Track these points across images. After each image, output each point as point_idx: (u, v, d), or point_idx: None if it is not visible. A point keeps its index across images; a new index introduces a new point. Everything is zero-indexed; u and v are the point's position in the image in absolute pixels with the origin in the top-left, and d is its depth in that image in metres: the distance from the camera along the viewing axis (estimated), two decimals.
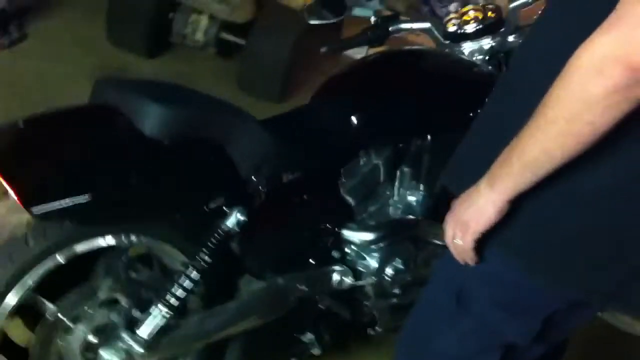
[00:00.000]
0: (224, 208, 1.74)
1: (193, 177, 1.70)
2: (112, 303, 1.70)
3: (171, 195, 1.66)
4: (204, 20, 3.90)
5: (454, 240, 1.37)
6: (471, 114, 2.24)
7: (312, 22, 2.48)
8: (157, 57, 4.04)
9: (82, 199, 1.49)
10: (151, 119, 1.61)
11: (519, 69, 1.41)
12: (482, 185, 1.29)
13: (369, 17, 2.54)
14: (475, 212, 1.29)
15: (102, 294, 1.68)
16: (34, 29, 3.91)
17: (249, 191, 1.79)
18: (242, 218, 1.74)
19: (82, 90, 3.45)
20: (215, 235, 1.73)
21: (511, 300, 1.39)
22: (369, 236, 2.11)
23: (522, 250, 1.33)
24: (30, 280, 1.56)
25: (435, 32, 2.42)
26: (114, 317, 1.68)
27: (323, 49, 2.43)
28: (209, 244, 1.72)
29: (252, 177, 1.79)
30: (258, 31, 3.83)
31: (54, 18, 4.08)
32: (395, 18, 2.45)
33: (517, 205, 1.28)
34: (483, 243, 1.35)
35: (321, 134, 2.04)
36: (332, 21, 2.47)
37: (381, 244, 2.11)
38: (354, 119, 2.07)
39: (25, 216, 1.53)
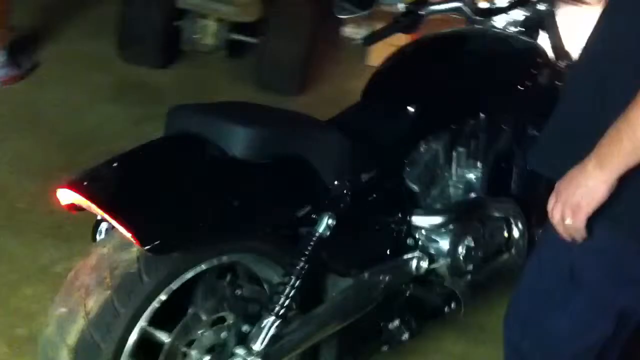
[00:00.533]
0: (313, 215, 1.79)
1: (282, 190, 1.75)
2: (219, 322, 1.74)
3: (265, 211, 1.71)
4: (212, 24, 3.92)
5: (565, 222, 1.42)
6: (520, 87, 2.32)
7: (342, 16, 2.51)
8: (171, 66, 4.07)
9: (193, 228, 1.53)
10: (238, 142, 1.65)
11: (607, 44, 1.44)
12: (590, 167, 1.34)
13: (396, 4, 2.59)
14: (586, 193, 1.35)
15: (208, 315, 1.72)
16: (45, 56, 3.91)
17: (334, 195, 1.83)
18: (331, 222, 1.79)
19: (107, 114, 3.55)
20: (310, 241, 1.77)
21: (621, 271, 1.45)
22: (437, 219, 2.16)
23: (629, 223, 1.39)
24: (146, 315, 1.60)
25: (467, 10, 2.45)
26: (225, 335, 1.73)
27: (358, 41, 2.47)
28: (304, 251, 1.77)
29: (335, 182, 1.84)
30: (272, 28, 3.86)
31: (62, 41, 4.09)
32: (424, 2, 2.49)
33: (622, 180, 1.34)
34: (590, 220, 1.40)
35: (383, 129, 2.09)
36: (362, 14, 2.51)
37: (450, 226, 2.16)
38: (410, 110, 2.11)
39: (134, 251, 1.56)
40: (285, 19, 3.88)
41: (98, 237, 1.73)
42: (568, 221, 1.41)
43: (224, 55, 4.10)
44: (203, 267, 1.67)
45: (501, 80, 2.28)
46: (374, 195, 2.01)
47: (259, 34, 3.96)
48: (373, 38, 2.52)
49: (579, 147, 1.41)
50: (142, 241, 1.46)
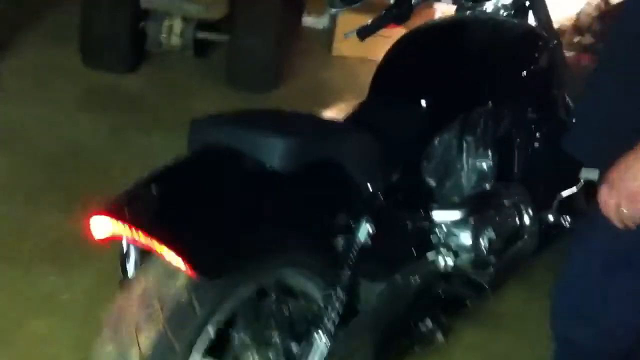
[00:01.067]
0: (351, 222, 1.74)
1: (323, 199, 1.70)
2: (265, 343, 1.69)
3: (310, 222, 1.66)
4: (177, 24, 3.80)
5: (622, 210, 1.41)
6: (520, 71, 2.31)
7: (335, 8, 2.47)
8: (138, 69, 3.94)
9: (245, 248, 1.48)
10: (276, 152, 1.58)
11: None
12: None
13: None
14: None
15: (255, 338, 1.67)
16: (6, 70, 3.72)
17: (369, 199, 1.79)
18: (371, 228, 1.75)
19: (82, 126, 3.40)
20: (351, 250, 1.73)
21: None
22: (457, 214, 2.14)
23: None
24: (200, 345, 1.54)
25: None
26: (274, 356, 1.68)
27: (349, 34, 2.43)
28: (347, 260, 1.73)
29: (369, 185, 1.80)
30: (240, 24, 3.77)
31: (24, 53, 3.91)
32: None
33: None
34: None
35: (400, 125, 2.05)
36: (356, 5, 2.46)
37: (469, 219, 2.15)
38: (424, 104, 2.09)
39: (181, 279, 1.49)
40: (253, 13, 3.79)
41: (130, 269, 1.65)
42: (624, 209, 1.41)
43: (192, 55, 3.98)
44: (254, 287, 1.62)
45: (502, 65, 2.27)
46: (401, 195, 1.98)
47: (227, 31, 3.87)
48: (367, 31, 2.46)
49: (618, 132, 1.40)
50: (196, 268, 1.39)
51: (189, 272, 1.40)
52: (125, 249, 1.62)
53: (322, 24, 4.81)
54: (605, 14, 4.15)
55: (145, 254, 1.56)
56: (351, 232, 1.76)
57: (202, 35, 3.89)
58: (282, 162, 1.59)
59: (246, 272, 1.57)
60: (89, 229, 1.49)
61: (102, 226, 1.47)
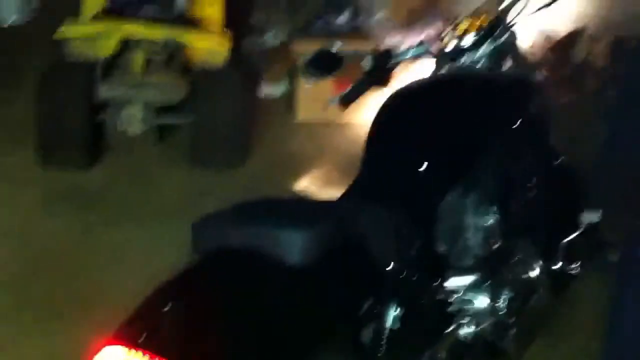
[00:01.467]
0: (379, 308, 1.62)
1: (350, 289, 1.58)
2: None
3: (334, 322, 1.52)
4: (138, 111, 3.67)
5: None
6: (515, 122, 2.25)
7: (310, 82, 2.42)
8: (100, 163, 3.76)
9: None
10: (293, 248, 1.47)
11: None
12: None
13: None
14: None
15: None
16: None
17: (393, 281, 1.67)
18: (399, 312, 1.63)
19: (49, 232, 3.17)
20: (381, 338, 1.60)
21: None
22: (469, 278, 2.05)
23: None
24: None
25: (433, 52, 2.38)
26: None
27: (332, 102, 2.36)
28: (378, 350, 1.59)
29: (392, 265, 1.68)
30: (202, 103, 3.67)
31: None
32: (388, 53, 2.40)
33: None
34: None
35: (403, 194, 1.96)
36: (329, 77, 2.40)
37: (484, 282, 2.06)
38: (423, 168, 2.00)
39: None
40: (214, 90, 3.70)
41: None
42: None
43: (154, 140, 3.85)
44: None
45: (497, 120, 2.22)
46: (419, 268, 1.86)
47: (188, 111, 3.75)
48: (349, 97, 2.39)
49: None
50: None
51: None
52: None
53: (280, 91, 4.74)
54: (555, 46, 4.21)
55: None
56: (379, 318, 1.63)
57: (164, 119, 3.76)
58: (303, 257, 1.47)
59: None
60: None
61: (114, 357, 1.30)
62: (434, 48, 2.38)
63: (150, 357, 1.26)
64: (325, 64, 2.37)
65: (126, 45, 3.64)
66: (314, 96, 4.42)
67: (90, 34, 3.63)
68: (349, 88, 2.35)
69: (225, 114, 3.66)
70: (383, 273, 1.67)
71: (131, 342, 1.28)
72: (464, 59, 2.36)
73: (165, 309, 1.37)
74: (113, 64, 3.63)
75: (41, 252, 3.06)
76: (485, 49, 2.36)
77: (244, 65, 4.20)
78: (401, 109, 2.24)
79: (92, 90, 3.57)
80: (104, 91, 3.57)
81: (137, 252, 3.05)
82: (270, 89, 4.73)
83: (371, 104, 2.33)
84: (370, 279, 1.65)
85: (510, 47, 2.41)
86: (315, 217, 1.60)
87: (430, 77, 2.36)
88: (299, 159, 3.97)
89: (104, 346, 1.30)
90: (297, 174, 3.76)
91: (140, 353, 1.27)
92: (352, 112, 2.55)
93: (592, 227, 2.45)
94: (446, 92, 2.26)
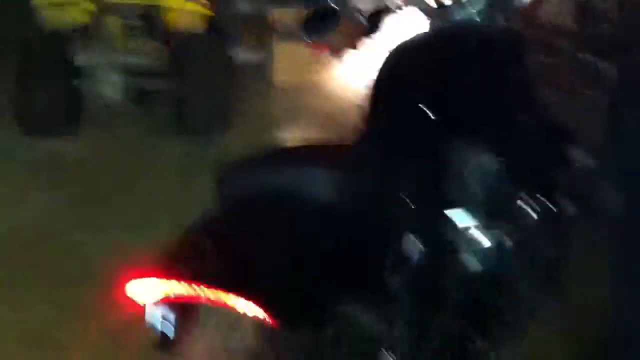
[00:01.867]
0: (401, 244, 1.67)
1: (372, 228, 1.62)
2: None
3: (365, 256, 1.57)
4: (117, 78, 3.62)
5: None
6: (517, 72, 2.29)
7: (312, 39, 2.41)
8: (83, 131, 3.69)
9: (318, 292, 1.40)
10: (325, 186, 1.55)
11: None
12: None
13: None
14: None
15: None
16: None
17: (412, 216, 1.73)
18: (420, 244, 1.69)
19: (37, 207, 3.05)
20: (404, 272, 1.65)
21: None
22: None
23: None
24: None
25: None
26: None
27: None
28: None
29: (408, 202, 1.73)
30: (184, 70, 3.63)
31: None
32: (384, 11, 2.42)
33: None
34: None
35: (415, 143, 1.99)
36: (331, 32, 2.39)
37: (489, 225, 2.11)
38: (432, 118, 2.03)
39: (248, 328, 1.38)
40: (195, 57, 3.66)
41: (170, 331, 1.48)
42: None
43: (134, 107, 3.80)
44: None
45: (498, 70, 2.25)
46: (434, 207, 1.91)
47: (169, 78, 3.71)
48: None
49: None
50: (276, 316, 1.30)
51: (271, 321, 1.30)
52: (158, 313, 1.46)
53: (256, 58, 4.72)
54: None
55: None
56: (404, 255, 1.68)
57: (143, 84, 3.72)
58: (334, 194, 1.55)
59: (318, 317, 1.45)
60: (124, 296, 1.36)
61: (148, 289, 1.35)
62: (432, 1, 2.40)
63: (189, 284, 1.30)
64: (324, 20, 2.37)
65: (103, 11, 3.58)
66: (290, 60, 4.48)
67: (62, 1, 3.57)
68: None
69: (205, 81, 3.62)
70: (400, 211, 1.72)
71: (168, 273, 1.33)
72: (462, 14, 2.40)
73: (199, 243, 1.40)
74: (92, 32, 3.56)
75: (28, 225, 2.99)
76: (480, 4, 2.40)
77: (220, 32, 4.16)
78: (407, 59, 2.26)
79: (71, 58, 3.51)
80: (83, 59, 3.51)
81: (127, 228, 2.88)
82: (248, 56, 4.71)
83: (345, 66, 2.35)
84: (391, 219, 1.69)
85: (503, 2, 2.45)
86: (334, 160, 1.66)
87: (431, 31, 2.38)
88: (281, 123, 3.97)
89: (134, 278, 1.34)
90: (281, 137, 3.75)
91: (176, 281, 1.31)
92: (327, 73, 2.55)
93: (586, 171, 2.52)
94: (449, 45, 2.28)
